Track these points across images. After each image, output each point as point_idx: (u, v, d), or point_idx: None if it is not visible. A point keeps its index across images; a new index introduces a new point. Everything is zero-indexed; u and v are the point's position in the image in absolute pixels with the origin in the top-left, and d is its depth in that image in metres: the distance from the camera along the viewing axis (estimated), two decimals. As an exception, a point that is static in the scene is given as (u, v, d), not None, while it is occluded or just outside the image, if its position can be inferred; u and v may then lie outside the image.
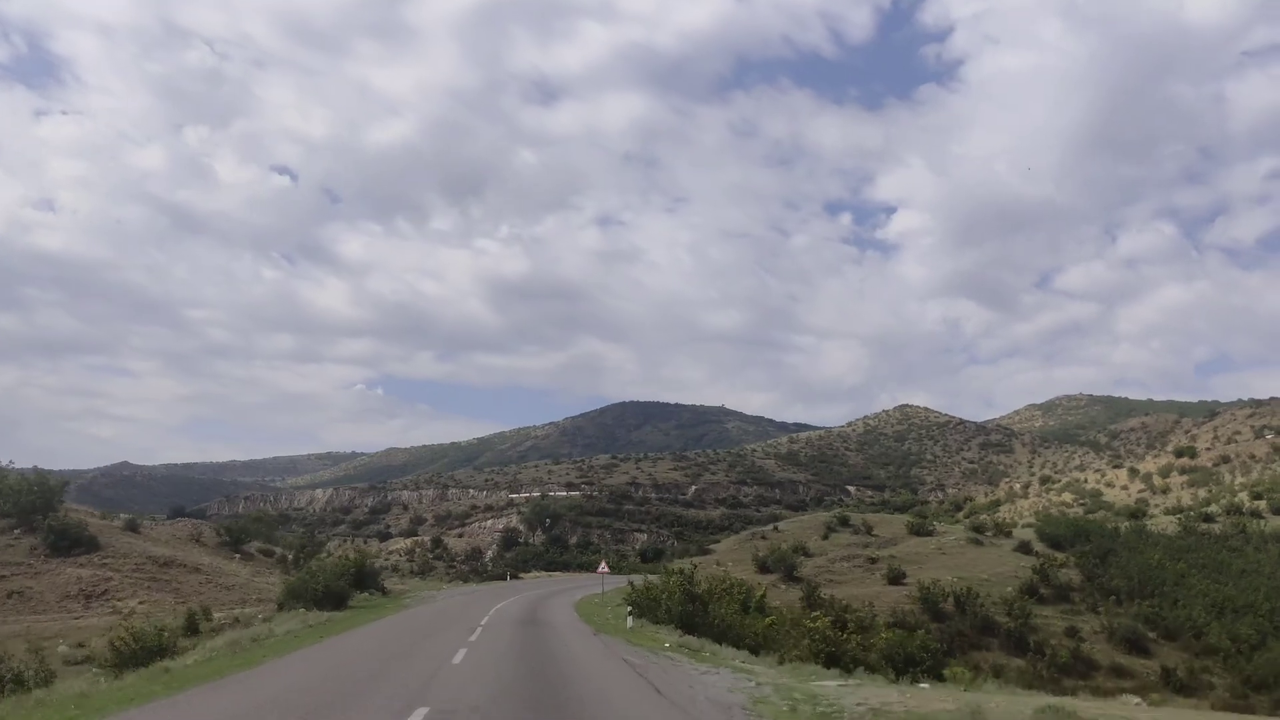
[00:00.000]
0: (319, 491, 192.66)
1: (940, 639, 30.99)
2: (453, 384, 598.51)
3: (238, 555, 33.62)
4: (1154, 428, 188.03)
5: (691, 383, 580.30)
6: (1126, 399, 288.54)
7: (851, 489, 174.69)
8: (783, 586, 41.22)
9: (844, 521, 63.48)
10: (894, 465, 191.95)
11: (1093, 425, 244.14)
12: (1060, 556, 44.91)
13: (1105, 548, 46.76)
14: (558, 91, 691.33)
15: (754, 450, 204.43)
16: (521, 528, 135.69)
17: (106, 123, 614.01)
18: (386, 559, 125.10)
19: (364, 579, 41.12)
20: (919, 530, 58.49)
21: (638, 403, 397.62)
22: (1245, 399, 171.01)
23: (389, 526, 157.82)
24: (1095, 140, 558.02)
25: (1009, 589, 40.56)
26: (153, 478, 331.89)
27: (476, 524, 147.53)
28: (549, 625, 25.97)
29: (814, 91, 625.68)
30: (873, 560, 48.20)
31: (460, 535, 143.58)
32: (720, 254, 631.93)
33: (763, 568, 46.08)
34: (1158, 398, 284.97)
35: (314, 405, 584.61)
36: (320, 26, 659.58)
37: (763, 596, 31.80)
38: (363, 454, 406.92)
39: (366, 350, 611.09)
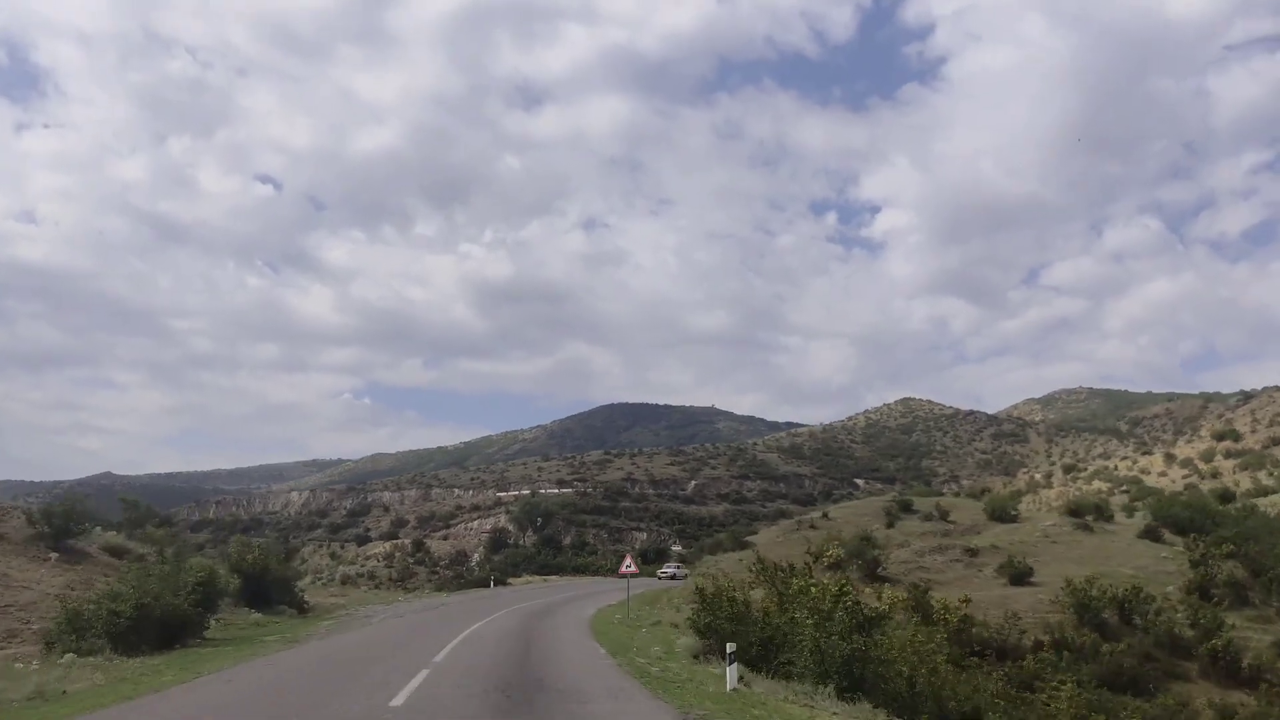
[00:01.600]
0: (295, 494, 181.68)
1: (1120, 666, 21.30)
2: (440, 391, 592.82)
3: (54, 555, 22.37)
4: (1179, 414, 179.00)
5: (679, 386, 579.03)
6: (1127, 391, 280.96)
7: (860, 482, 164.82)
8: (866, 588, 30.99)
9: (907, 506, 53.39)
10: (902, 457, 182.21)
11: (1094, 417, 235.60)
12: (1206, 546, 34.77)
13: (1247, 534, 36.91)
14: (541, 96, 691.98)
15: (755, 444, 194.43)
16: (511, 528, 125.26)
17: (89, 134, 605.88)
18: (364, 564, 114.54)
19: (266, 590, 30.56)
20: (1001, 515, 48.50)
21: (626, 404, 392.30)
22: (1239, 390, 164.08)
23: (368, 530, 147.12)
24: (1080, 136, 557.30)
25: (1169, 588, 30.69)
26: (132, 487, 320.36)
27: (462, 525, 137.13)
28: (562, 689, 13.81)
29: (798, 92, 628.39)
30: (971, 552, 38.02)
31: (445, 538, 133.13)
32: (706, 256, 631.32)
33: (834, 565, 35.66)
34: (1156, 390, 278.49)
35: (301, 415, 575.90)
36: (303, 33, 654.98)
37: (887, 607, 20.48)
38: (349, 460, 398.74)
39: (353, 358, 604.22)
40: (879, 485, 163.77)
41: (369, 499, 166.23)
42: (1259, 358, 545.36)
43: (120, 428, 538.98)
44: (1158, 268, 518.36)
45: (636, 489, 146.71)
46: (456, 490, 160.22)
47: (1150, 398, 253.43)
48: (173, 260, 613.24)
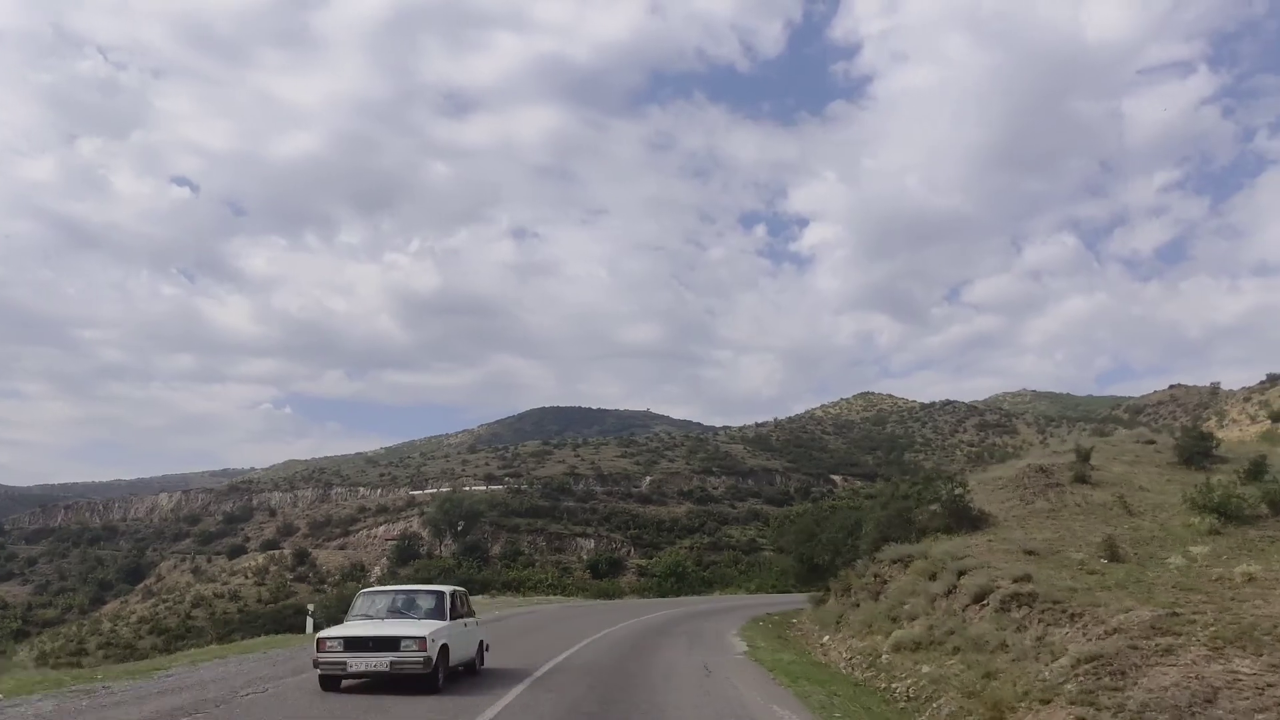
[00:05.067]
0: (163, 497, 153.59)
1: None
2: (363, 402, 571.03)
3: None
4: (1185, 400, 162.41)
5: (610, 397, 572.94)
6: (1071, 395, 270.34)
7: (836, 478, 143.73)
8: None
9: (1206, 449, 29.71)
10: (881, 451, 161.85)
11: (1041, 418, 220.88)
12: None
13: None
14: (470, 103, 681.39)
15: (717, 434, 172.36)
16: (424, 533, 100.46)
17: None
18: (226, 583, 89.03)
19: None
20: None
21: (559, 408, 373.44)
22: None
23: (248, 538, 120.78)
24: (1001, 153, 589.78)
25: None
26: (10, 497, 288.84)
27: (365, 531, 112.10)
28: None
29: (728, 105, 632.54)
30: None
31: (343, 547, 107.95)
32: (637, 267, 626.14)
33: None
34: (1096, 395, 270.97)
35: (217, 427, 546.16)
36: (222, 34, 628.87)
37: None
38: (259, 468, 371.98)
39: (272, 369, 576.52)
40: (859, 481, 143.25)
41: (253, 502, 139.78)
42: (1169, 372, 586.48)
43: (24, 439, 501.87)
44: (1074, 285, 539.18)
45: (582, 486, 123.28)
46: (362, 490, 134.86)
47: (1092, 400, 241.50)
48: (82, 267, 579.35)
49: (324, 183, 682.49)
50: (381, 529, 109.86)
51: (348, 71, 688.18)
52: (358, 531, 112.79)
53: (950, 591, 17.30)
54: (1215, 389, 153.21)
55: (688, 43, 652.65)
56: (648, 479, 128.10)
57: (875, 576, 21.76)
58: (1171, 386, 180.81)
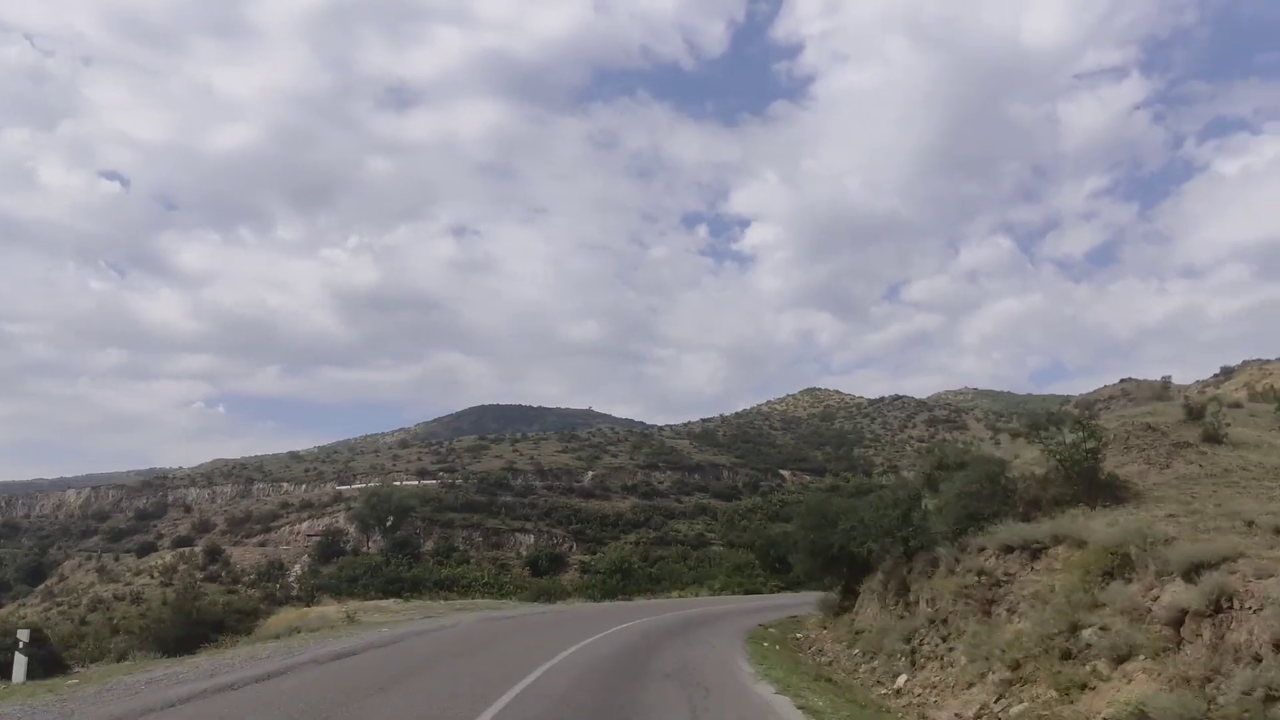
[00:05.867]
0: (71, 493, 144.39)
1: None
2: (300, 400, 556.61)
3: None
4: (1137, 394, 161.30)
5: (553, 397, 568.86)
6: (1011, 393, 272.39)
7: (785, 473, 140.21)
8: None
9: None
10: (830, 446, 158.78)
11: (990, 414, 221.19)
12: None
13: None
14: (411, 98, 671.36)
15: (662, 429, 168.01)
16: (350, 530, 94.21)
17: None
18: (129, 584, 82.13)
19: None
20: None
21: (499, 405, 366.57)
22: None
23: (161, 535, 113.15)
24: (940, 156, 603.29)
25: None
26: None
27: (287, 527, 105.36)
28: None
29: (672, 104, 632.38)
30: None
31: (263, 544, 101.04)
32: (580, 265, 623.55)
33: None
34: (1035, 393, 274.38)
35: (147, 425, 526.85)
36: (156, 23, 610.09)
37: None
38: (187, 467, 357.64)
39: (206, 366, 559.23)
40: (808, 477, 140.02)
41: (169, 497, 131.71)
42: (1098, 372, 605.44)
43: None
44: (1009, 286, 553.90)
45: (520, 480, 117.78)
46: (286, 485, 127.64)
47: (1032, 399, 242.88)
48: (7, 260, 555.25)
49: (260, 177, 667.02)
50: (305, 525, 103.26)
51: (285, 63, 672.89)
52: (279, 528, 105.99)
53: (1217, 608, 9.33)
54: (1167, 383, 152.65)
55: (632, 40, 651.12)
56: (590, 473, 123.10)
57: (980, 575, 13.72)
58: (1122, 380, 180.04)
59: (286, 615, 29.14)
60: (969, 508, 15.19)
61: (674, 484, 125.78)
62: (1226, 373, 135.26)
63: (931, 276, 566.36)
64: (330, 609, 31.11)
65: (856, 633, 18.96)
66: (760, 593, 53.55)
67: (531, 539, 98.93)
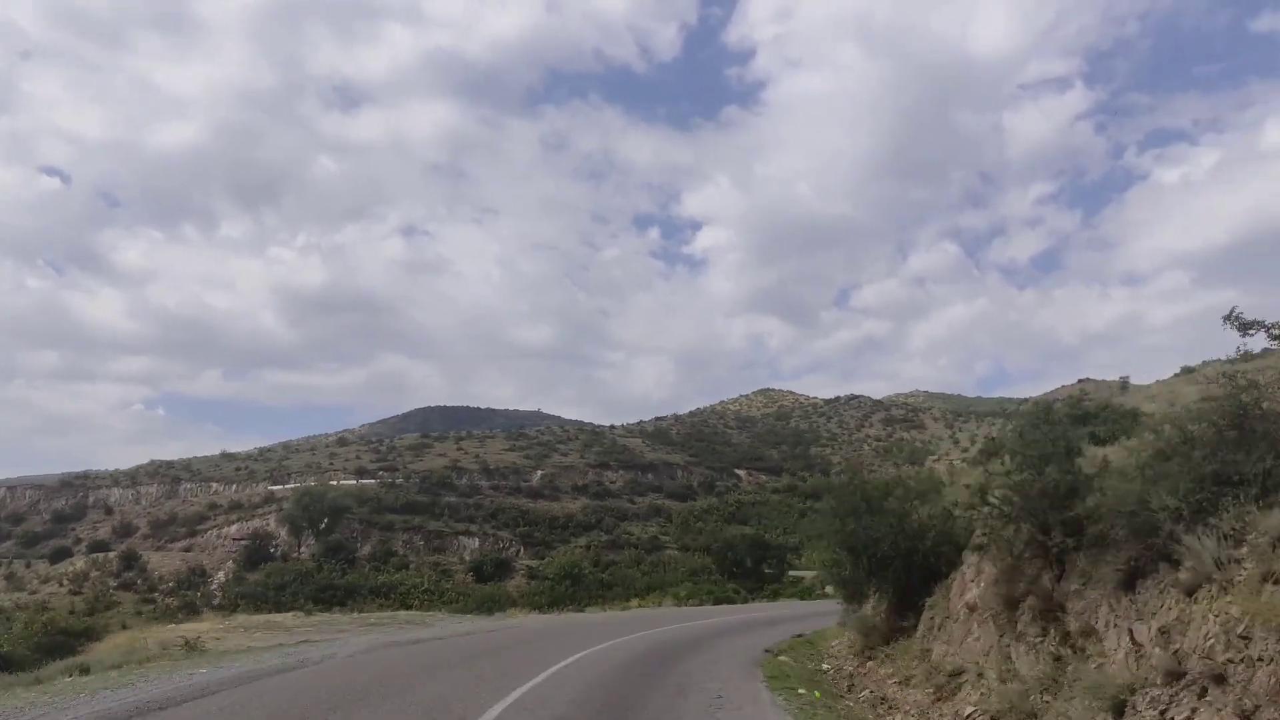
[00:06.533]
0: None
1: None
2: (243, 403, 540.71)
3: None
4: (1095, 394, 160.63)
5: (503, 399, 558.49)
6: (961, 395, 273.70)
7: (741, 472, 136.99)
8: None
9: None
10: (786, 445, 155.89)
11: (947, 414, 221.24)
12: None
13: None
14: (360, 97, 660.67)
15: (613, 428, 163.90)
16: (281, 533, 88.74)
17: None
18: (34, 592, 76.11)
19: None
20: None
21: (446, 407, 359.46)
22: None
23: (78, 540, 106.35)
24: (890, 162, 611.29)
25: None
26: None
27: (214, 530, 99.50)
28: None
29: (624, 107, 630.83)
30: None
31: (188, 548, 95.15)
32: (530, 267, 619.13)
33: None
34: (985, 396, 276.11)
35: (86, 428, 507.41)
36: (97, 16, 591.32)
37: None
38: (122, 469, 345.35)
39: (146, 367, 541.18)
40: (764, 476, 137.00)
41: (90, 498, 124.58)
42: (1044, 376, 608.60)
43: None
44: (956, 292, 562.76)
45: (465, 480, 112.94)
46: (215, 485, 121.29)
47: (981, 402, 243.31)
48: None
49: (205, 174, 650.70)
50: (234, 528, 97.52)
51: (231, 60, 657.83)
52: (206, 531, 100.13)
53: None
54: (1125, 383, 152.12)
55: (585, 42, 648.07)
56: (539, 473, 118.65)
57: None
58: (1080, 380, 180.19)
59: (120, 639, 24.35)
60: (1209, 466, 7.94)
61: (627, 484, 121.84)
62: (1187, 371, 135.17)
63: (880, 281, 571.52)
64: (202, 625, 26.37)
65: (951, 675, 11.79)
66: (732, 601, 48.82)
67: (476, 542, 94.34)
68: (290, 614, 30.98)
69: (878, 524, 16.15)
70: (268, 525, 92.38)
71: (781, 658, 18.20)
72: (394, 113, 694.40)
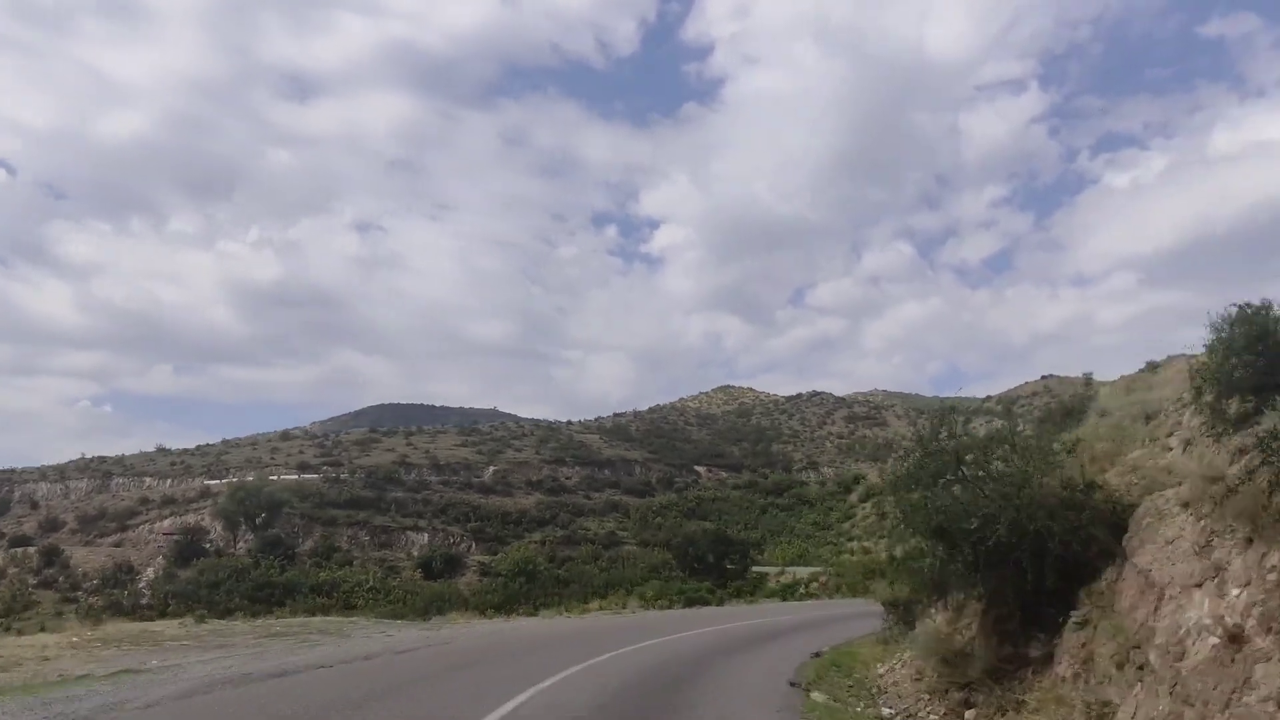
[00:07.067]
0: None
1: None
2: (194, 399, 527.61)
3: None
4: (1059, 390, 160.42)
5: (459, 397, 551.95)
6: (919, 395, 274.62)
7: (700, 469, 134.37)
8: None
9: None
10: (748, 442, 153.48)
11: (911, 410, 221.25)
12: None
13: None
14: (314, 88, 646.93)
15: (570, 424, 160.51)
16: (216, 528, 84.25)
17: None
18: (-57, 589, 71.11)
19: None
20: None
21: (400, 405, 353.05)
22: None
23: (1, 535, 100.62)
24: (847, 162, 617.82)
25: None
26: None
27: (146, 526, 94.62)
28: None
29: (583, 102, 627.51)
30: None
31: (119, 544, 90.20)
32: (487, 263, 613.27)
33: None
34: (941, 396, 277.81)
35: (29, 424, 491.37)
36: (41, 1, 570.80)
37: None
38: (51, 465, 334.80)
39: (94, 362, 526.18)
40: (724, 473, 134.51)
41: (14, 493, 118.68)
42: (996, 376, 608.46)
43: None
44: (910, 291, 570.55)
45: (414, 475, 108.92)
46: (148, 480, 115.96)
47: (936, 402, 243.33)
48: None
49: (154, 166, 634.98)
50: (168, 521, 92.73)
51: (181, 47, 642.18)
52: (137, 527, 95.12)
53: None
54: (1089, 379, 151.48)
55: (543, 36, 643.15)
56: (491, 468, 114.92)
57: None
58: (1044, 377, 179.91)
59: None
60: None
61: (583, 480, 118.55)
62: (1153, 367, 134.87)
63: (835, 280, 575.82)
64: (51, 638, 22.03)
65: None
66: (706, 602, 44.27)
67: (425, 538, 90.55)
68: (178, 621, 26.58)
69: (988, 495, 10.77)
70: (202, 520, 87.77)
71: (816, 695, 13.27)
72: (349, 104, 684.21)
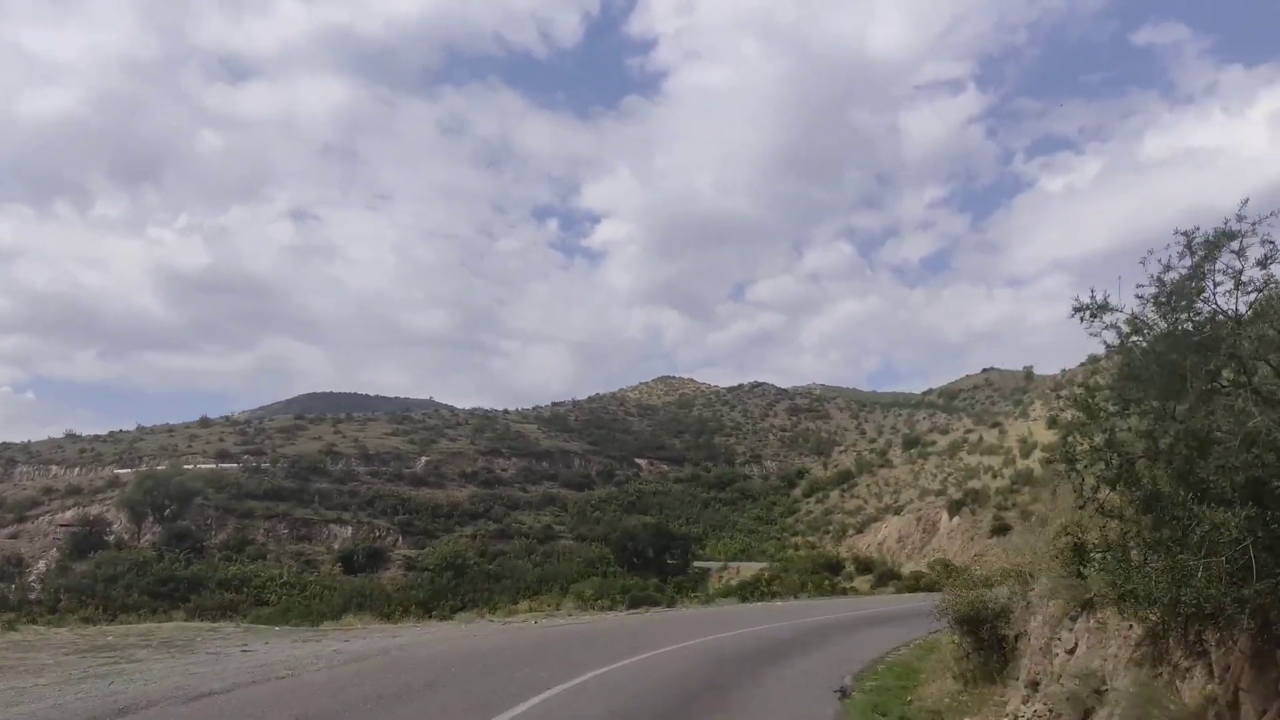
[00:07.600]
0: None
1: None
2: (121, 386, 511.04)
3: None
4: (1001, 384, 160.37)
5: (395, 387, 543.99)
6: (857, 390, 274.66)
7: (641, 461, 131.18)
8: None
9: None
10: (689, 434, 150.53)
11: (853, 404, 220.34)
12: None
13: None
14: (248, 71, 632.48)
15: (506, 413, 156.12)
16: (120, 519, 78.71)
17: None
18: None
19: None
20: None
21: (331, 394, 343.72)
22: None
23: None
24: (788, 160, 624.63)
25: None
26: None
27: (47, 517, 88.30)
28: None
29: (524, 92, 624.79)
30: None
31: (14, 536, 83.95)
32: (426, 254, 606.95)
33: None
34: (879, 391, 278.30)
35: None
36: None
37: None
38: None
39: (13, 348, 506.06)
40: (666, 466, 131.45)
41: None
42: (931, 373, 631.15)
43: None
44: (849, 289, 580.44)
45: (341, 465, 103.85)
46: (54, 468, 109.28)
47: (876, 396, 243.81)
48: None
49: (80, 147, 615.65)
50: (70, 513, 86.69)
51: (111, 26, 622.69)
52: (37, 518, 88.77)
53: None
54: (1029, 373, 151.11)
55: (486, 25, 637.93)
56: (424, 459, 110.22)
57: None
58: (985, 370, 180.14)
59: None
60: None
61: (520, 472, 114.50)
62: (1094, 360, 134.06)
63: (776, 277, 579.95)
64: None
65: None
66: (654, 601, 38.69)
67: (349, 531, 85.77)
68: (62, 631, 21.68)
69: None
70: (105, 511, 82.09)
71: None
72: (284, 88, 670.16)
